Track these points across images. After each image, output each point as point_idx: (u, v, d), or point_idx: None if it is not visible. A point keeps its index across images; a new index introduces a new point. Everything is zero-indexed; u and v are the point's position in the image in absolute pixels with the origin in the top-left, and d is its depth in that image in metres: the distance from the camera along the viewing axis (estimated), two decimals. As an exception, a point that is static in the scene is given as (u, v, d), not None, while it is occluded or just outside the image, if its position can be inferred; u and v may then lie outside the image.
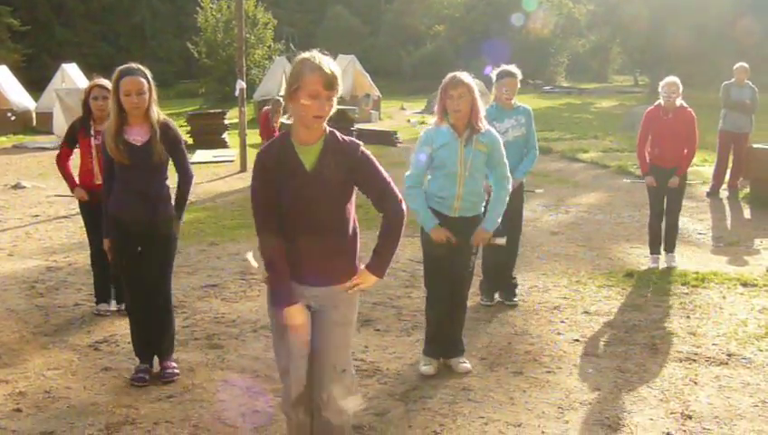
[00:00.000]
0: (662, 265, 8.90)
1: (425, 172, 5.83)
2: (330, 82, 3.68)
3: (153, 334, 5.82)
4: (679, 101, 8.74)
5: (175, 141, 5.70)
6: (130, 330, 5.91)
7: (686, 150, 8.79)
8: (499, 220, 5.90)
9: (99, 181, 6.89)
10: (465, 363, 5.99)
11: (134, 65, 5.57)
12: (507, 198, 5.92)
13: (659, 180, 8.83)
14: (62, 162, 7.35)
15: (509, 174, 5.92)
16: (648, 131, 8.96)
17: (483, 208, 5.92)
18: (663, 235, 9.05)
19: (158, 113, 5.61)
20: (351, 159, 3.85)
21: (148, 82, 5.52)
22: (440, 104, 5.73)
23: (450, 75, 5.69)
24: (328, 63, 3.71)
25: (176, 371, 5.84)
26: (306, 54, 3.76)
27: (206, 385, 5.71)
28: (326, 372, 3.99)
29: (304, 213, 3.83)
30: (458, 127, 5.67)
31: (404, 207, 3.94)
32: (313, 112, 3.70)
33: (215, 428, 5.05)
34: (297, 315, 3.86)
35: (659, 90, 8.83)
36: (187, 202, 5.98)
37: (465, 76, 5.62)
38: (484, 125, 5.72)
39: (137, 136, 5.53)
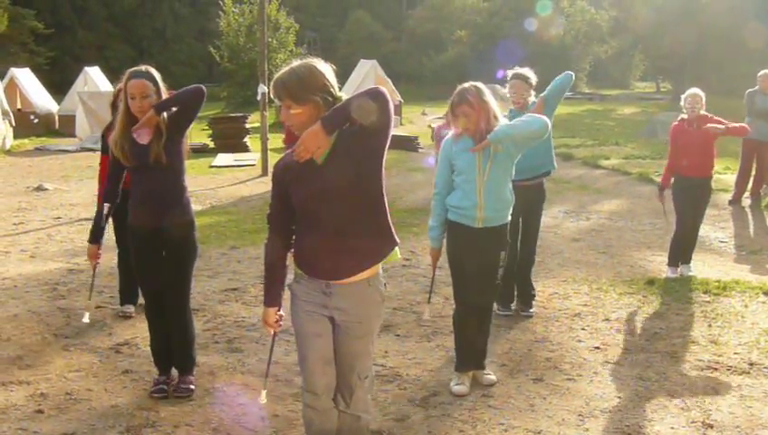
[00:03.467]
0: (683, 273, 8.86)
1: (448, 178, 5.67)
2: (278, 93, 3.74)
3: (173, 345, 5.71)
4: (703, 112, 8.72)
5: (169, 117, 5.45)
6: (150, 339, 5.83)
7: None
8: (505, 134, 5.46)
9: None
10: (491, 375, 5.90)
11: (143, 68, 5.49)
12: (534, 128, 5.48)
13: (689, 190, 8.80)
14: (102, 177, 7.16)
15: (543, 117, 5.58)
16: (677, 147, 8.93)
17: (509, 217, 5.76)
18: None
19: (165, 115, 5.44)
20: (357, 136, 3.77)
21: (156, 84, 5.40)
22: (454, 121, 5.61)
23: (456, 91, 5.54)
24: (281, 75, 3.75)
25: (191, 387, 5.67)
26: None
27: (227, 389, 5.73)
28: (350, 379, 4.07)
29: (319, 205, 3.79)
30: (474, 137, 5.50)
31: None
32: (286, 123, 3.80)
33: (235, 431, 5.07)
34: (270, 316, 4.04)
35: (682, 103, 8.83)
36: (173, 101, 5.53)
37: (468, 93, 5.46)
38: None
39: (144, 136, 5.37)
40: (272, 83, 3.74)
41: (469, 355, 5.82)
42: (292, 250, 4.01)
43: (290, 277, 4.06)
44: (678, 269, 8.86)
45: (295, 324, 4.04)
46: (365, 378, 4.10)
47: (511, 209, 5.75)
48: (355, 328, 3.99)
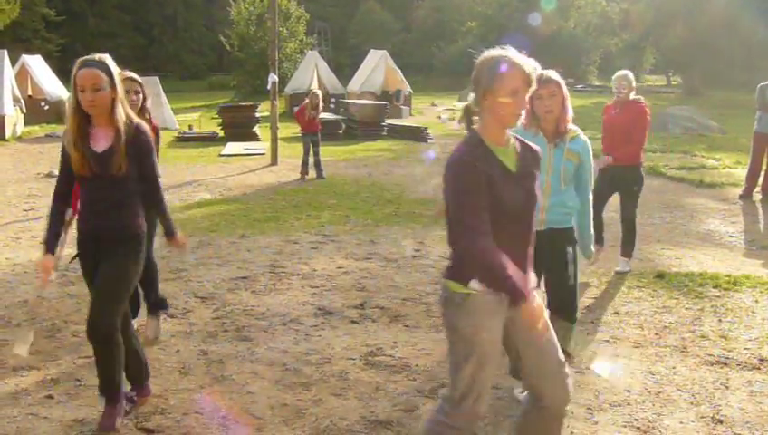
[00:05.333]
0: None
1: None
2: (529, 79, 3.60)
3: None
4: (633, 96, 8.44)
5: (144, 150, 4.74)
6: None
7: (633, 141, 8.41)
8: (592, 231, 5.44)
9: None
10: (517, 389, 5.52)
11: (96, 56, 4.65)
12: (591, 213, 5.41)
13: (609, 175, 8.37)
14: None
15: (591, 196, 5.41)
16: (603, 127, 8.81)
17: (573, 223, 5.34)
18: (620, 236, 8.90)
19: (126, 115, 4.69)
20: (537, 163, 3.82)
21: (110, 76, 4.57)
22: (536, 104, 5.05)
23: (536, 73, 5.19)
24: (525, 60, 3.63)
25: (134, 398, 5.16)
26: (496, 52, 3.67)
27: (236, 377, 5.73)
28: (554, 367, 3.82)
29: (513, 216, 3.66)
30: (547, 131, 5.14)
31: None
32: (513, 110, 3.60)
33: (243, 420, 5.07)
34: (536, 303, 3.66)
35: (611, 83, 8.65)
36: (169, 217, 5.02)
37: (553, 73, 5.08)
38: (575, 129, 5.29)
39: (100, 141, 4.62)
40: (529, 70, 3.61)
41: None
42: (463, 276, 3.73)
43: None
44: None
45: (472, 333, 3.70)
46: (563, 363, 3.86)
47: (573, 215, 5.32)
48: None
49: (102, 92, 4.52)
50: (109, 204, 4.70)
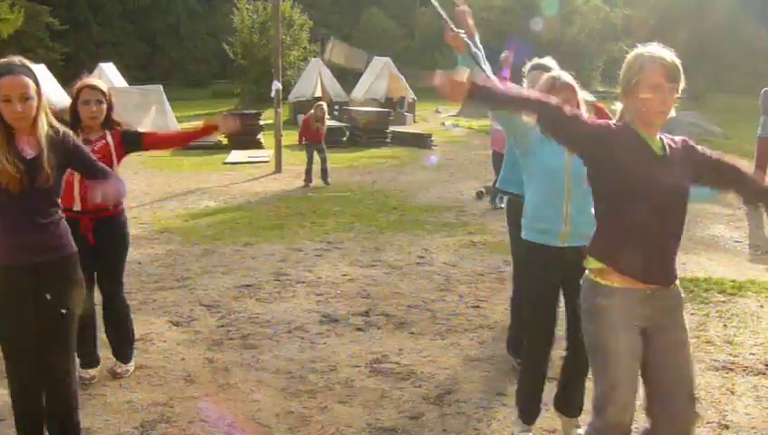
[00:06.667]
0: None
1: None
2: (673, 74, 3.47)
3: (46, 415, 4.35)
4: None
5: (75, 148, 4.27)
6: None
7: None
8: None
9: (77, 207, 5.44)
10: (580, 429, 4.83)
11: (16, 60, 4.04)
12: None
13: None
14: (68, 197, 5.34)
15: None
16: None
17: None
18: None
19: (48, 124, 4.12)
20: (690, 152, 3.66)
21: (37, 83, 4.04)
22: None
23: (548, 77, 4.70)
24: (669, 54, 3.50)
25: None
26: (641, 48, 3.58)
27: (241, 385, 5.73)
28: (684, 403, 3.64)
29: (653, 202, 3.48)
30: None
31: None
32: (656, 107, 3.48)
33: (249, 427, 5.07)
34: None
35: None
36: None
37: (566, 76, 4.63)
38: None
39: (25, 148, 4.03)
40: (670, 65, 3.49)
41: (532, 401, 4.96)
42: (601, 250, 3.63)
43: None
44: None
45: (607, 341, 3.61)
46: (695, 399, 3.66)
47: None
48: (676, 332, 3.65)
49: (31, 102, 3.98)
50: (36, 219, 4.11)
